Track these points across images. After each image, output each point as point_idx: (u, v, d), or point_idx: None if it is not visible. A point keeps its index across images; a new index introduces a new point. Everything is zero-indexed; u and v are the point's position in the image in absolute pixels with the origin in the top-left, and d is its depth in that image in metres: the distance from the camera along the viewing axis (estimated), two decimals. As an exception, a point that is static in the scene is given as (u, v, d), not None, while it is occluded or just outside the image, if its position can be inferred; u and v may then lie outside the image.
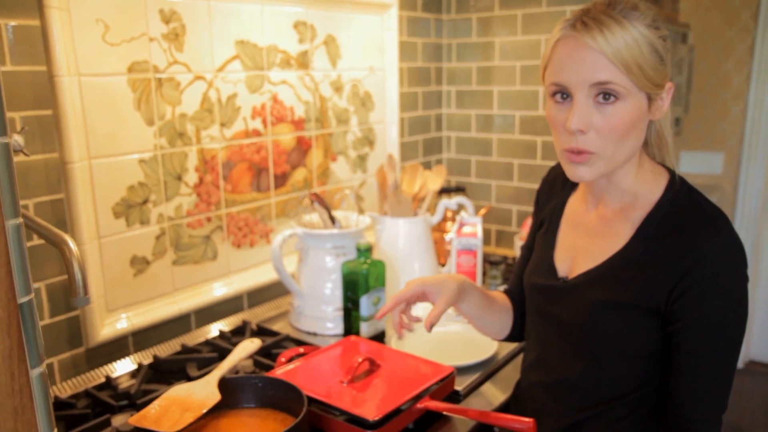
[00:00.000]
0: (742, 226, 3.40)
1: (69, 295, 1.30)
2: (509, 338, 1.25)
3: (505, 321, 1.23)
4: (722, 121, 3.45)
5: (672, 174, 1.00)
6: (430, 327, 1.04)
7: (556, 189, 1.18)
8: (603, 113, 0.90)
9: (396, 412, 1.10)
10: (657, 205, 0.97)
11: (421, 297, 1.12)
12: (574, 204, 1.12)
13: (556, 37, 0.94)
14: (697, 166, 3.54)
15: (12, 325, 0.62)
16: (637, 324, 0.96)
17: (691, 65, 3.42)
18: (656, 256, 0.93)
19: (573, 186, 1.14)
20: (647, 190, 0.99)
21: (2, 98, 0.62)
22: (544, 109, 2.18)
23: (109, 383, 1.31)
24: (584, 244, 1.05)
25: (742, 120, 3.40)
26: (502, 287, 1.81)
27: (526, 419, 1.01)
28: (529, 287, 1.14)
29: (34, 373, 0.67)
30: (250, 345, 1.19)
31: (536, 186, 2.36)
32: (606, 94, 0.90)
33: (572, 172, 0.95)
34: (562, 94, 0.93)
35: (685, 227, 0.93)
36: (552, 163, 2.18)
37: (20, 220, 0.64)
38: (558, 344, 1.07)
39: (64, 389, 1.30)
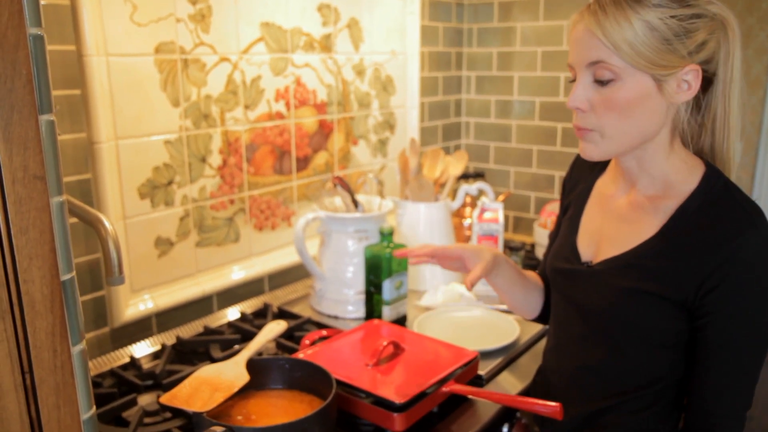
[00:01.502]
0: (759, 217, 3.38)
1: (100, 271, 1.31)
2: (540, 319, 1.25)
3: (536, 300, 1.23)
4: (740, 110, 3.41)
5: (708, 166, 0.98)
6: (471, 285, 1.07)
7: (584, 174, 1.17)
8: (600, 92, 0.93)
9: (422, 396, 1.10)
10: (691, 196, 0.95)
11: (457, 260, 1.15)
12: (602, 187, 1.11)
13: (571, 21, 0.98)
14: (715, 156, 3.51)
15: (55, 302, 0.63)
16: (662, 314, 0.95)
17: (711, 53, 3.38)
18: (688, 248, 0.92)
19: (601, 169, 1.13)
20: (681, 179, 0.97)
21: (48, 75, 0.62)
22: (565, 94, 2.17)
23: (134, 363, 1.32)
24: (611, 230, 1.04)
25: (761, 110, 3.35)
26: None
27: (553, 403, 1.01)
28: (552, 271, 1.13)
29: (75, 350, 0.67)
30: (276, 327, 1.20)
31: (555, 172, 2.36)
32: (602, 76, 0.92)
33: (580, 149, 0.99)
34: (574, 77, 0.97)
35: (719, 220, 0.91)
36: (572, 150, 2.17)
37: (64, 197, 0.64)
38: (578, 330, 1.06)
39: (90, 369, 1.31)
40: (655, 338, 0.97)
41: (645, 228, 0.98)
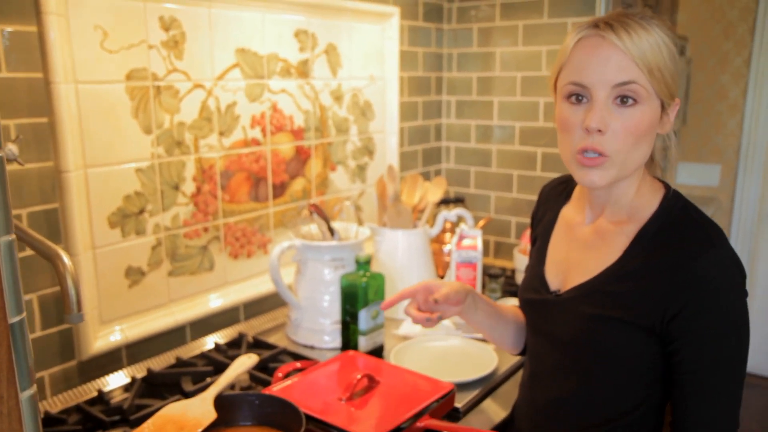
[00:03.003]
0: (738, 238, 3.40)
1: (62, 311, 1.27)
2: (525, 353, 1.23)
3: (518, 334, 1.20)
4: (719, 134, 3.45)
5: (667, 188, 0.99)
6: (434, 301, 1.05)
7: (549, 204, 1.16)
8: (621, 115, 0.89)
9: (396, 431, 1.07)
10: (651, 218, 0.95)
11: (426, 292, 1.10)
12: (567, 216, 1.10)
13: (576, 37, 0.92)
14: (695, 178, 3.54)
15: (2, 346, 0.60)
16: (632, 340, 0.93)
17: (689, 78, 3.43)
18: (650, 272, 0.91)
19: (566, 198, 1.12)
20: (644, 203, 0.97)
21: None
22: (545, 119, 2.17)
23: (102, 398, 1.28)
24: (578, 257, 1.03)
25: (739, 133, 3.40)
26: (502, 300, 1.78)
27: (529, 440, 0.99)
28: (523, 303, 1.12)
29: (24, 395, 0.64)
30: (247, 361, 1.16)
31: (535, 197, 2.34)
32: (625, 97, 0.89)
33: (583, 177, 0.93)
34: (578, 96, 0.92)
35: (679, 242, 0.91)
36: (552, 175, 2.17)
37: (13, 236, 0.61)
38: (551, 360, 1.04)
39: (55, 404, 1.27)
40: (627, 365, 0.95)
41: (609, 253, 0.98)
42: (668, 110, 0.93)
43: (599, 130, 0.89)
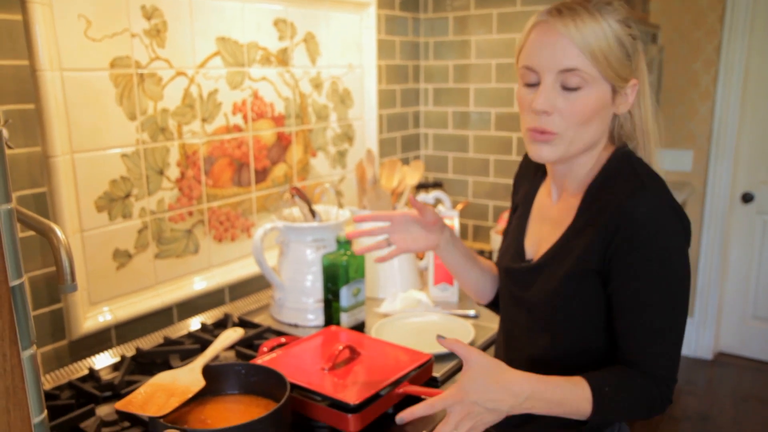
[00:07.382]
0: (711, 221, 3.49)
1: (56, 284, 1.30)
2: (493, 305, 1.30)
3: (489, 284, 1.27)
4: (691, 120, 3.54)
5: (617, 148, 1.05)
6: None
7: (529, 175, 1.23)
8: (567, 98, 0.96)
9: (375, 397, 1.13)
10: (598, 174, 1.03)
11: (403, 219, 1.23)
12: (542, 195, 1.17)
13: (532, 22, 1.00)
14: (669, 164, 3.63)
15: (3, 307, 0.64)
16: (593, 291, 1.00)
17: (661, 65, 3.51)
18: (593, 220, 0.99)
19: (543, 175, 1.19)
20: (596, 171, 1.05)
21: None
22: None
23: (93, 375, 1.32)
24: (548, 233, 1.11)
25: (710, 119, 3.49)
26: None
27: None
28: (501, 269, 1.19)
29: (25, 354, 0.69)
30: (233, 334, 1.21)
31: (511, 181, 2.41)
32: (570, 81, 0.95)
33: (534, 151, 1.01)
34: (532, 81, 0.99)
35: (615, 188, 0.98)
36: (527, 159, 2.23)
37: (12, 205, 0.66)
38: (525, 323, 1.11)
39: (48, 381, 1.31)
40: (593, 318, 1.01)
41: (568, 218, 1.06)
42: (622, 92, 0.99)
43: (546, 112, 0.97)
